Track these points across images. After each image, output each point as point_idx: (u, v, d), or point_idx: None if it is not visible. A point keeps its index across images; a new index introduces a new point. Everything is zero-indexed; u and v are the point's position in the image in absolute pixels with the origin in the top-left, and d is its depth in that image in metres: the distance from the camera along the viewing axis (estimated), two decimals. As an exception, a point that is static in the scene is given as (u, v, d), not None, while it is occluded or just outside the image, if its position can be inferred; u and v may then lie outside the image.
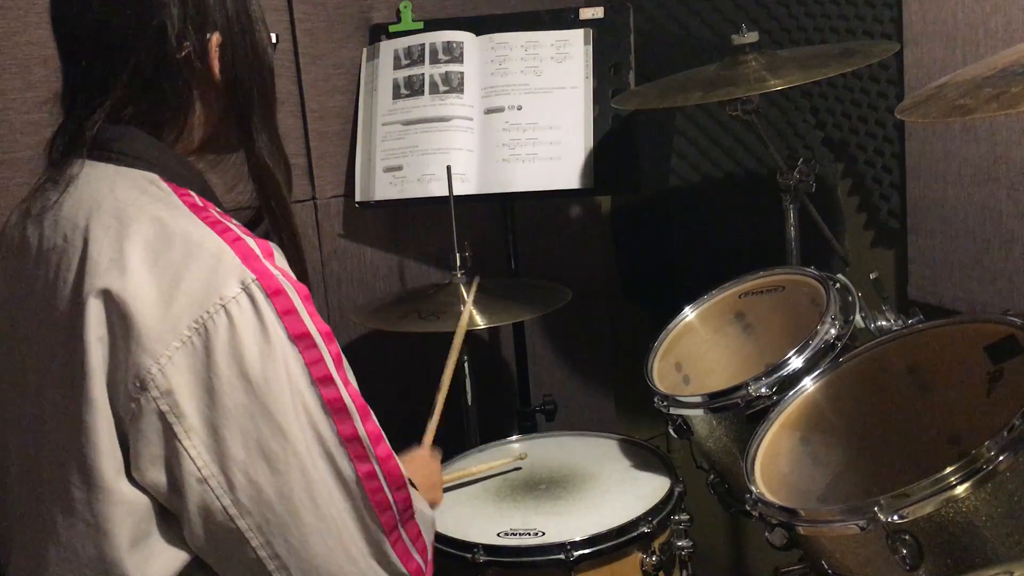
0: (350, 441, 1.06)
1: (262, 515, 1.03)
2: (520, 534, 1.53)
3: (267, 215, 1.19)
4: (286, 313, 1.03)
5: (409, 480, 1.15)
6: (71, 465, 1.03)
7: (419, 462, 1.51)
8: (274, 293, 1.03)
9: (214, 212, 1.10)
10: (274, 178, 1.18)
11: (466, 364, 1.93)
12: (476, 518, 1.60)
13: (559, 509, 1.61)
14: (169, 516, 1.06)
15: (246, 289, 1.02)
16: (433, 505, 1.38)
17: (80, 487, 1.03)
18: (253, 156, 1.18)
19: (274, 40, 1.21)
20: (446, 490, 1.68)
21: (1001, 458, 1.09)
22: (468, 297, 1.84)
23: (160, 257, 1.02)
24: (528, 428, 2.22)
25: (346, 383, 1.07)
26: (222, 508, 1.02)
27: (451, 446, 1.84)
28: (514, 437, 1.90)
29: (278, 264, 1.07)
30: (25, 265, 1.12)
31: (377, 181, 2.14)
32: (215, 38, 1.13)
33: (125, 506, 1.03)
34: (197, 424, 1.01)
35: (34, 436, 1.09)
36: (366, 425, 1.08)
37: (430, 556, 1.21)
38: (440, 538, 1.53)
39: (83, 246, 1.04)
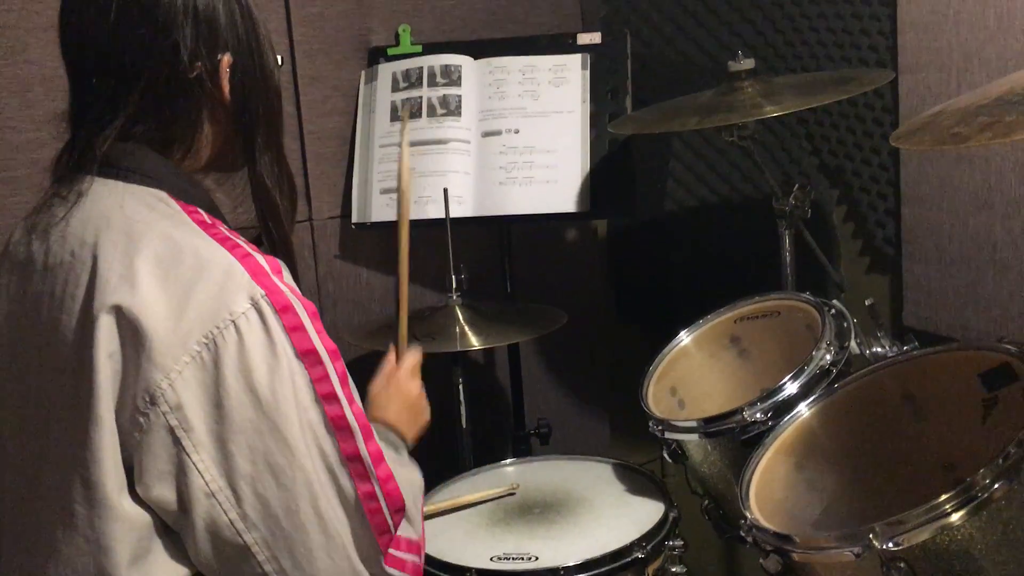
0: (352, 459, 1.06)
1: (269, 529, 1.03)
2: (513, 558, 1.52)
3: (264, 235, 1.19)
4: (294, 329, 1.04)
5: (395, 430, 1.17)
6: (74, 480, 1.03)
7: (394, 387, 1.38)
8: (283, 309, 1.04)
9: (223, 229, 1.11)
10: (273, 199, 1.19)
11: (461, 387, 1.93)
12: (469, 542, 1.59)
13: (553, 533, 1.60)
14: (170, 533, 1.06)
15: (255, 305, 1.02)
16: (420, 428, 1.34)
17: (82, 503, 1.03)
18: (255, 176, 1.18)
19: (279, 62, 1.22)
20: (438, 515, 1.67)
21: (996, 486, 1.08)
22: (404, 137, 1.51)
23: (170, 273, 1.02)
24: (522, 451, 2.21)
25: (351, 401, 1.08)
26: (229, 522, 1.02)
27: (445, 469, 1.84)
28: (508, 460, 1.89)
29: (286, 281, 1.08)
30: (30, 280, 1.12)
31: (374, 202, 2.14)
32: (226, 59, 1.14)
33: (126, 523, 1.03)
34: (205, 438, 1.01)
35: (36, 451, 1.09)
36: (368, 445, 1.08)
37: (422, 530, 1.20)
38: (433, 562, 1.52)
39: (92, 262, 1.04)
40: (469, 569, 1.49)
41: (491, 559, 1.52)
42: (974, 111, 1.14)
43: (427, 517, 1.65)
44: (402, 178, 1.44)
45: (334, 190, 2.23)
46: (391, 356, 1.45)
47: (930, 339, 1.88)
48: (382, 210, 2.13)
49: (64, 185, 1.12)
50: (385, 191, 2.14)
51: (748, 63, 1.79)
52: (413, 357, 1.45)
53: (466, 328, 1.87)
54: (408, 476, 1.18)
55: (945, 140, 1.13)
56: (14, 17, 1.84)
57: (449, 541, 1.59)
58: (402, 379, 1.41)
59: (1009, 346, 1.29)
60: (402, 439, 1.29)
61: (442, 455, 1.76)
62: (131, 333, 1.00)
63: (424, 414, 1.40)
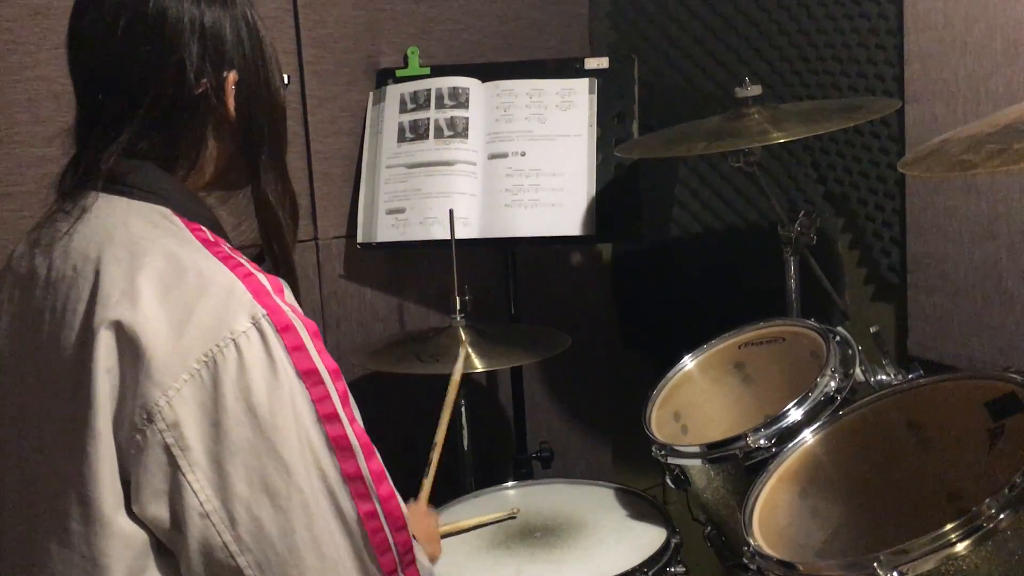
0: (352, 479, 1.05)
1: (263, 552, 1.02)
2: (514, 582, 1.51)
3: (267, 253, 1.19)
4: (295, 349, 1.03)
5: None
6: (70, 496, 1.02)
7: (416, 515, 1.48)
8: (284, 329, 1.03)
9: (225, 247, 1.10)
10: (276, 217, 1.19)
11: (463, 409, 1.92)
12: (470, 566, 1.58)
13: (554, 558, 1.59)
14: (166, 552, 1.04)
15: (256, 324, 1.02)
16: (432, 559, 1.36)
17: (78, 519, 1.02)
18: (259, 194, 1.19)
19: (286, 81, 1.23)
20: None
21: (1002, 516, 1.08)
22: (460, 358, 1.82)
23: (172, 290, 1.02)
24: (524, 475, 2.20)
25: (352, 421, 1.07)
26: (223, 544, 1.01)
27: (446, 491, 1.83)
28: (510, 484, 1.88)
29: (288, 300, 1.07)
30: (33, 294, 1.12)
31: (379, 223, 2.15)
32: (232, 76, 1.14)
33: (122, 540, 1.02)
34: (202, 458, 1.00)
35: (34, 465, 1.09)
36: (370, 464, 1.07)
37: None
38: (433, 585, 1.51)
39: (94, 278, 1.04)
40: (469, 593, 1.48)
41: (491, 583, 1.51)
42: (982, 139, 1.14)
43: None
44: (453, 382, 1.73)
45: (340, 210, 2.23)
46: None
47: (935, 368, 1.88)
48: (387, 230, 2.13)
49: (68, 200, 1.13)
50: (391, 211, 2.14)
51: (755, 90, 1.80)
52: (433, 511, 1.57)
53: (470, 350, 1.87)
54: (424, 563, 1.18)
55: (952, 167, 1.13)
56: (24, 34, 1.85)
57: (450, 565, 1.58)
58: (425, 511, 1.53)
59: (1015, 375, 1.29)
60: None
61: (444, 477, 1.75)
62: (130, 349, 1.00)
63: (437, 548, 1.50)
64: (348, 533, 1.06)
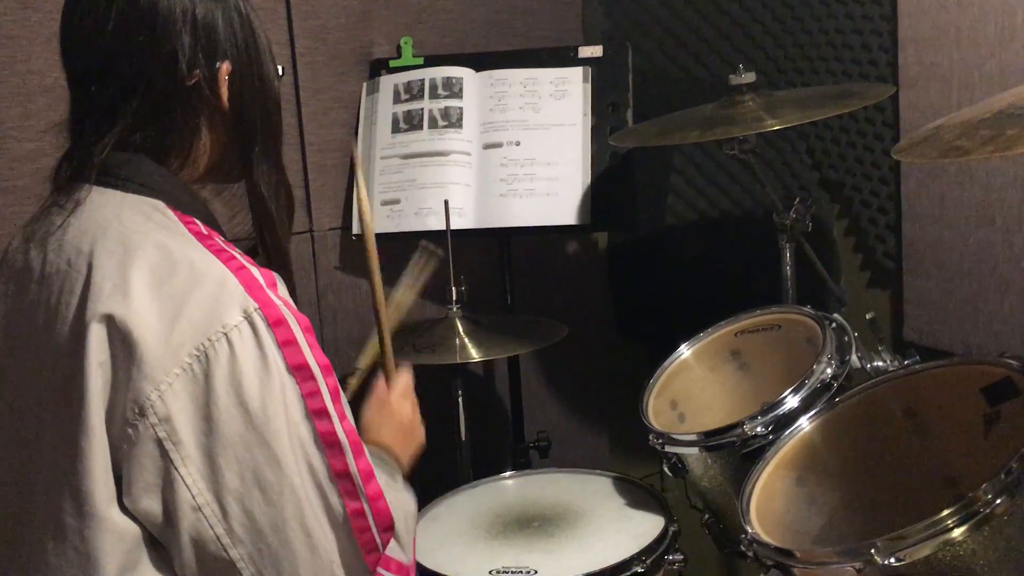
0: (341, 477, 1.05)
1: (255, 545, 1.02)
2: (512, 572, 1.51)
3: (260, 246, 1.19)
4: (286, 344, 1.03)
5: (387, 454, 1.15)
6: (64, 491, 1.02)
7: (386, 411, 1.34)
8: (275, 323, 1.03)
9: (218, 240, 1.10)
10: (269, 209, 1.18)
11: (460, 399, 1.92)
12: (468, 555, 1.58)
13: (552, 547, 1.59)
14: (159, 546, 1.05)
15: (248, 318, 1.01)
16: (418, 447, 1.32)
17: (72, 513, 1.02)
18: (252, 186, 1.18)
19: (280, 72, 1.22)
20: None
21: (998, 501, 1.08)
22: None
23: (164, 284, 1.02)
24: (522, 464, 2.20)
25: (341, 418, 1.07)
26: (215, 537, 1.01)
27: (444, 483, 1.83)
28: (507, 473, 1.88)
29: (280, 294, 1.07)
30: (27, 288, 1.11)
31: (375, 214, 2.14)
32: (225, 67, 1.14)
33: (116, 534, 1.02)
34: (194, 452, 1.00)
35: (27, 460, 1.09)
36: (358, 462, 1.07)
37: (413, 557, 1.18)
38: (431, 575, 1.51)
39: (87, 271, 1.04)
40: (468, 583, 1.48)
41: (490, 572, 1.51)
42: (976, 124, 1.14)
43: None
44: (362, 203, 1.40)
45: (335, 201, 2.23)
46: (381, 381, 1.40)
47: (931, 354, 1.88)
48: (383, 221, 2.13)
49: (62, 194, 1.12)
50: (386, 202, 2.14)
51: (749, 77, 1.80)
52: (403, 379, 1.39)
53: (466, 340, 1.87)
54: (400, 500, 1.17)
55: (947, 153, 1.13)
56: (16, 27, 1.84)
57: (447, 555, 1.58)
58: (394, 402, 1.36)
59: (1011, 361, 1.29)
60: (396, 462, 1.28)
61: (441, 467, 1.75)
62: (122, 343, 1.00)
63: (418, 436, 1.36)
64: (336, 530, 1.06)
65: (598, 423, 2.61)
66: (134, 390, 0.99)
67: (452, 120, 2.14)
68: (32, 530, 1.07)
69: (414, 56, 2.23)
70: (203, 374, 1.00)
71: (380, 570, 1.11)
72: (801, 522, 1.41)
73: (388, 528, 1.10)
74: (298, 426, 1.03)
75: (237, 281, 1.03)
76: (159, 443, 1.00)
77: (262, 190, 1.18)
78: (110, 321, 1.00)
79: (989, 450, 1.31)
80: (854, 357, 1.52)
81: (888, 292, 2.08)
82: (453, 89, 2.16)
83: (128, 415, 0.99)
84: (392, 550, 1.13)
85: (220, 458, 1.00)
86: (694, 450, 1.56)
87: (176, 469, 1.00)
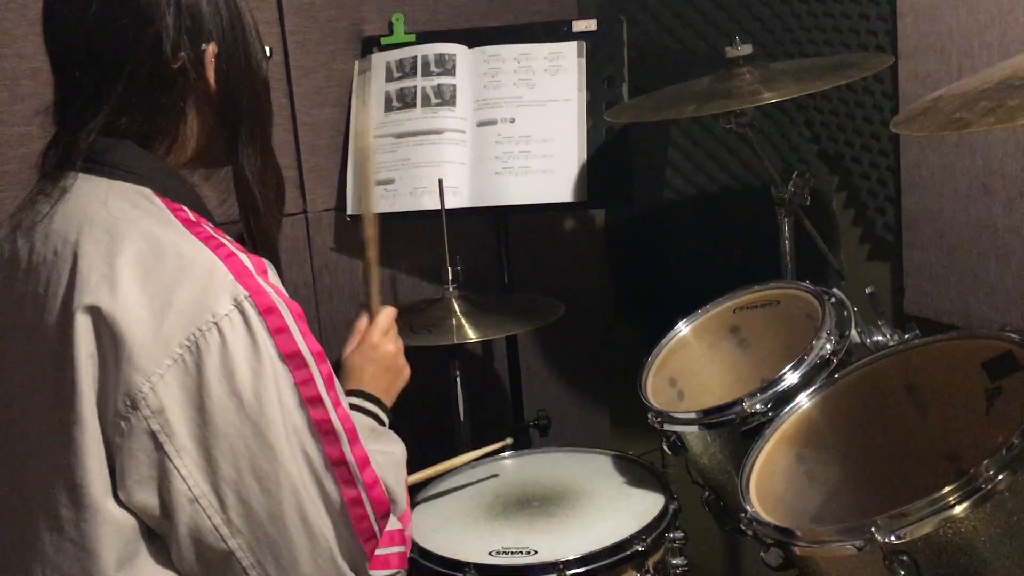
0: (337, 464, 1.05)
1: (253, 535, 1.02)
2: (512, 552, 1.51)
3: (245, 230, 1.17)
4: (278, 331, 1.02)
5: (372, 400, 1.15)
6: (59, 484, 1.02)
7: (368, 350, 1.34)
8: (266, 311, 1.02)
9: (207, 227, 1.08)
10: (254, 193, 1.17)
11: (458, 379, 1.91)
12: (467, 536, 1.58)
13: (552, 527, 1.58)
14: (156, 538, 1.04)
15: (238, 306, 1.00)
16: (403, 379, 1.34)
17: (68, 506, 1.02)
18: (237, 170, 1.16)
19: (268, 53, 1.20)
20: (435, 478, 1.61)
21: (1000, 477, 1.07)
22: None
23: (151, 273, 1.00)
24: (521, 444, 2.19)
25: (336, 405, 1.06)
26: (213, 528, 1.01)
27: (443, 461, 1.82)
28: (507, 453, 1.88)
29: (271, 281, 1.06)
30: (15, 278, 1.10)
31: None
32: (210, 49, 1.12)
33: (113, 526, 1.01)
34: (188, 443, 0.99)
35: (21, 452, 1.08)
36: (354, 449, 1.06)
37: (406, 507, 1.20)
38: (431, 557, 1.51)
39: (73, 260, 1.03)
40: (467, 564, 1.47)
41: (490, 553, 1.51)
42: (976, 96, 1.11)
43: (424, 482, 1.59)
44: (364, 139, 1.37)
45: (328, 182, 2.21)
46: (362, 320, 1.38)
47: (932, 327, 1.86)
48: (377, 201, 2.11)
49: (49, 181, 1.11)
50: (380, 182, 2.12)
51: (746, 49, 1.77)
52: (385, 316, 1.38)
53: (463, 320, 1.86)
54: (388, 450, 1.17)
55: (946, 126, 1.11)
56: (1, 11, 1.81)
57: (447, 536, 1.58)
58: (375, 340, 1.35)
59: (1012, 334, 1.27)
60: (380, 405, 1.27)
61: (440, 447, 1.75)
62: (110, 335, 0.99)
63: (403, 373, 1.36)
64: (333, 517, 1.05)
65: (597, 401, 2.61)
66: (125, 383, 0.98)
67: (445, 98, 2.12)
68: (30, 521, 1.06)
69: (406, 33, 2.20)
70: (195, 365, 0.98)
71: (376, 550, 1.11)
72: (801, 499, 1.40)
73: (385, 515, 1.10)
74: (292, 414, 1.02)
75: (226, 269, 1.02)
76: (153, 436, 0.99)
77: (247, 173, 1.16)
78: (96, 313, 0.99)
79: (990, 425, 1.30)
80: (854, 332, 1.51)
81: (888, 264, 2.06)
82: (446, 66, 2.13)
83: (120, 408, 0.98)
84: (389, 524, 1.13)
85: (215, 449, 1.00)
86: (693, 428, 1.55)
87: (171, 461, 0.99)
